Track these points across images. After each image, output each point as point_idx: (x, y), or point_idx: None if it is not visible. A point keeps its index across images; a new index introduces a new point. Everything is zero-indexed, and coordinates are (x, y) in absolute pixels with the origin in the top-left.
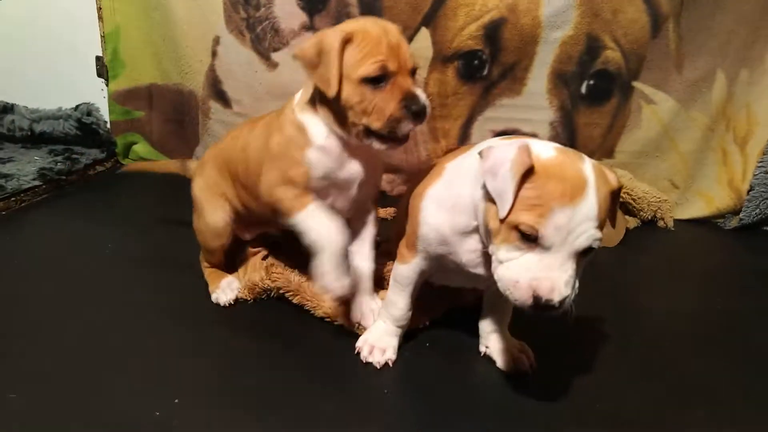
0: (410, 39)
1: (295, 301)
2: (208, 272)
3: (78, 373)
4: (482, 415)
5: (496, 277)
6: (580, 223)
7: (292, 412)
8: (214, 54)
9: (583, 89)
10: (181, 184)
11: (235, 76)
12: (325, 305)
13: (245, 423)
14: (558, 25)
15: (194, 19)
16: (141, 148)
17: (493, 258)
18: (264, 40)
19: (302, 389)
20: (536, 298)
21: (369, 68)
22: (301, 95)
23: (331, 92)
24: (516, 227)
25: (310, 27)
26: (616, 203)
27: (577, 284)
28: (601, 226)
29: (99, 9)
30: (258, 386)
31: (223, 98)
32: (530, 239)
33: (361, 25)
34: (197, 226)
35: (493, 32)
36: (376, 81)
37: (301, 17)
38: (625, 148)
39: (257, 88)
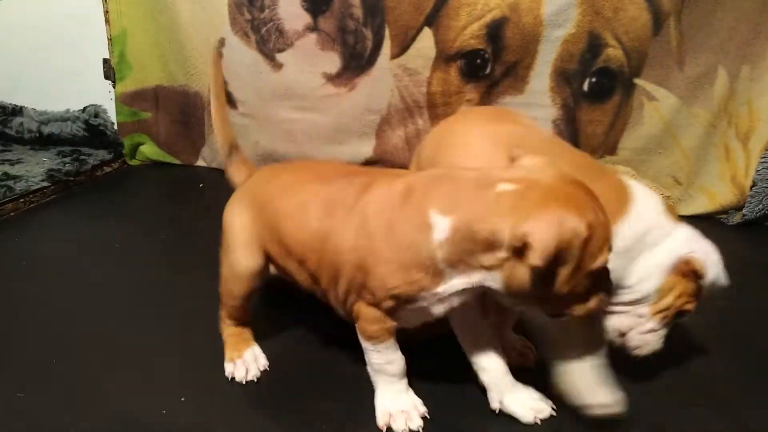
0: (413, 39)
1: None
2: (229, 332)
3: (85, 373)
4: (486, 410)
5: None
6: None
7: (297, 411)
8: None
9: (586, 87)
10: (188, 184)
11: (241, 77)
12: None
13: (252, 421)
14: (559, 23)
15: (199, 22)
16: (148, 148)
17: None
18: (269, 41)
19: (306, 388)
20: None
21: (603, 259)
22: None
23: (565, 289)
24: None
25: (314, 28)
26: None
27: None
28: None
29: (106, 12)
30: (264, 384)
31: (228, 99)
32: None
33: (591, 206)
34: (222, 269)
35: (495, 31)
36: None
37: (305, 18)
38: (627, 145)
39: (262, 88)
